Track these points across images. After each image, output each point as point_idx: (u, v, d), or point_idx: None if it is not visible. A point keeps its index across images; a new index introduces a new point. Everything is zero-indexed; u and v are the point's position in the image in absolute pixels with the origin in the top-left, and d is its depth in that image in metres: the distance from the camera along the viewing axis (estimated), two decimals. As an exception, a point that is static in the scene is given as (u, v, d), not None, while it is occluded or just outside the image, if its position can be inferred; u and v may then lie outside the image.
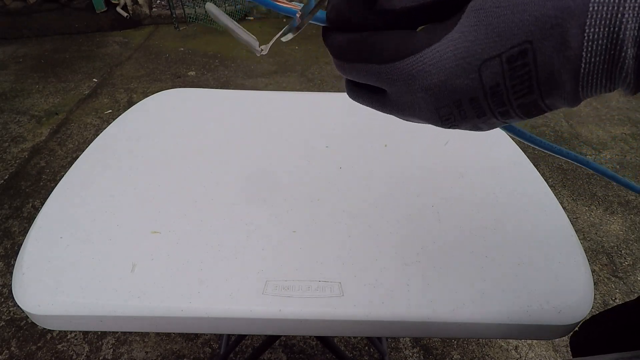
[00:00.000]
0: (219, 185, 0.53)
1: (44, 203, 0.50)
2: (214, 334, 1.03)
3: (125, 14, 3.12)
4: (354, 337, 1.03)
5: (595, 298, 1.09)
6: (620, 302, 1.10)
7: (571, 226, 0.47)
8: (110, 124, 0.65)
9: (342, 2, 0.18)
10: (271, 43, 0.22)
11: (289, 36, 0.20)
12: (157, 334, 1.04)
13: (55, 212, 0.48)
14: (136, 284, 0.40)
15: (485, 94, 0.17)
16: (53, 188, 0.52)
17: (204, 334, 1.04)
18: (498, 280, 0.41)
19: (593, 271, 1.22)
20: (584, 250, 0.44)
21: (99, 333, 1.04)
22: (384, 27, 0.18)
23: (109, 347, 1.01)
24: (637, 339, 0.41)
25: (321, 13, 0.19)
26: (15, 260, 0.44)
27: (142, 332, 1.04)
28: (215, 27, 3.05)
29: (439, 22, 0.17)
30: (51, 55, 2.63)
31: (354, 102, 0.21)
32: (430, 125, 0.20)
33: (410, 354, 1.00)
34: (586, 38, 0.13)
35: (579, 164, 0.24)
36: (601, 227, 1.38)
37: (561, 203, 0.48)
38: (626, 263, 1.25)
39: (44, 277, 0.41)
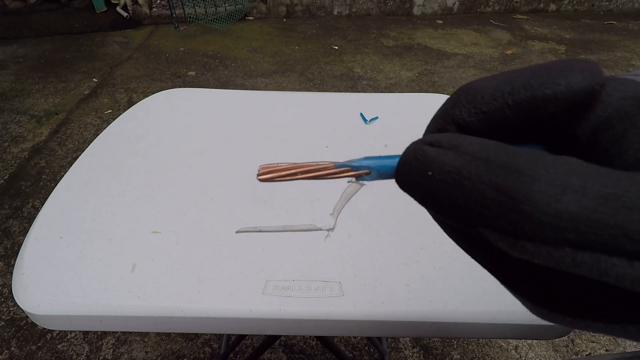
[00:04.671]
0: (219, 185, 0.53)
1: (44, 203, 0.50)
2: (214, 334, 1.03)
3: (125, 14, 3.12)
4: (354, 337, 1.03)
5: (595, 298, 1.08)
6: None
7: (571, 226, 0.47)
8: (110, 124, 0.65)
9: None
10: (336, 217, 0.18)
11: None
12: (157, 334, 1.04)
13: (55, 212, 0.48)
14: (136, 284, 0.40)
15: None
16: (53, 188, 0.52)
17: (204, 334, 1.04)
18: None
19: (593, 271, 1.21)
20: (584, 250, 0.44)
21: (99, 333, 1.04)
22: None
23: (109, 347, 1.01)
24: None
25: None
26: (15, 260, 0.44)
27: (142, 332, 1.04)
28: (216, 27, 3.05)
29: None
30: (51, 55, 2.63)
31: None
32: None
33: (410, 354, 1.00)
34: None
35: None
36: (601, 227, 1.37)
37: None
38: (626, 263, 1.25)
39: (44, 277, 0.41)
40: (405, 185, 0.11)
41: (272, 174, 0.12)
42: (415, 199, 0.10)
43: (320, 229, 0.14)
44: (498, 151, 0.09)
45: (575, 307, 0.11)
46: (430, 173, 0.10)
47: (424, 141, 0.10)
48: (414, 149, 0.11)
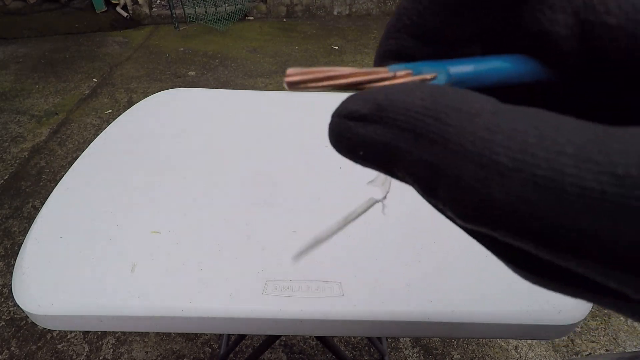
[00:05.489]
0: (219, 185, 0.53)
1: (44, 203, 0.50)
2: (214, 334, 1.03)
3: (125, 14, 3.12)
4: (354, 337, 1.03)
5: (595, 298, 1.08)
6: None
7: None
8: (110, 124, 0.65)
9: None
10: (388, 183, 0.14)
11: None
12: (157, 334, 1.04)
13: (55, 212, 0.48)
14: (136, 284, 0.40)
15: None
16: (53, 188, 0.52)
17: (204, 334, 1.04)
18: (498, 280, 0.41)
19: (593, 271, 1.21)
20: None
21: (99, 333, 1.04)
22: None
23: (109, 347, 1.01)
24: None
25: None
26: (15, 260, 0.44)
27: (142, 332, 1.04)
28: (216, 27, 3.05)
29: None
30: (51, 55, 2.63)
31: None
32: None
33: (410, 354, 1.00)
34: None
35: None
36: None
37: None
38: (626, 263, 1.24)
39: (44, 277, 0.41)
40: (344, 156, 0.10)
41: (304, 77, 0.09)
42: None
43: (376, 201, 0.12)
44: (427, 118, 0.08)
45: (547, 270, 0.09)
46: (361, 153, 0.09)
47: (347, 115, 0.09)
48: (338, 125, 0.09)
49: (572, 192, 0.06)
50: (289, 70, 0.09)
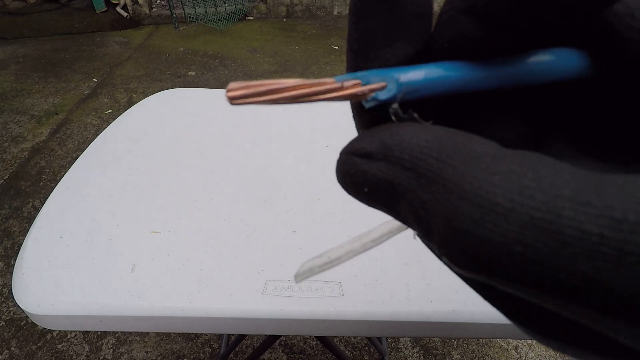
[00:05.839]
0: (219, 185, 0.53)
1: (44, 203, 0.50)
2: (214, 334, 1.03)
3: (125, 14, 3.12)
4: (354, 337, 1.03)
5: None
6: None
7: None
8: (110, 124, 0.65)
9: None
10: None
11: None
12: (157, 334, 1.04)
13: (55, 212, 0.48)
14: (136, 284, 0.40)
15: None
16: (53, 188, 0.52)
17: (204, 334, 1.04)
18: (498, 280, 0.41)
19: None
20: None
21: (99, 333, 1.04)
22: None
23: (109, 347, 1.01)
24: None
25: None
26: (15, 260, 0.44)
27: (142, 332, 1.04)
28: (216, 27, 3.05)
29: None
30: (51, 55, 2.63)
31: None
32: None
33: (410, 354, 1.00)
34: None
35: None
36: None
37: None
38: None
39: (44, 277, 0.41)
40: (350, 193, 0.10)
41: (247, 91, 0.09)
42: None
43: (405, 227, 0.11)
44: (429, 158, 0.08)
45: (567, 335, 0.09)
46: (366, 190, 0.09)
47: (354, 152, 0.09)
48: (345, 162, 0.10)
49: (570, 234, 0.06)
50: (231, 85, 0.09)
